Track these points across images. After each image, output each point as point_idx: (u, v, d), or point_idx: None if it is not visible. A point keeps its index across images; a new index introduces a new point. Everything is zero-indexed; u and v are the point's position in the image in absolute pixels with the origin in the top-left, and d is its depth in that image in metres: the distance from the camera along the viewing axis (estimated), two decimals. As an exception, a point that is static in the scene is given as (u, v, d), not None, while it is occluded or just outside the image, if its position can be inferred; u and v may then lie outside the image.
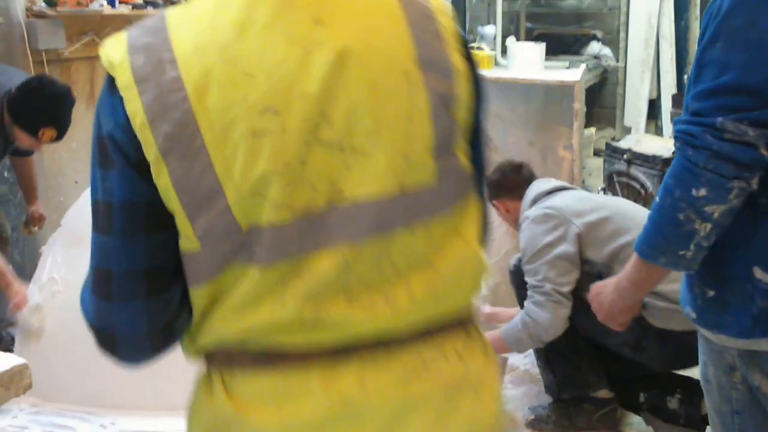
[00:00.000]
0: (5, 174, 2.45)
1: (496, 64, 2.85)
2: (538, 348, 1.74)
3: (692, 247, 0.89)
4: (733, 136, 0.84)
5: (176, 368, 2.05)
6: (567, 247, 1.65)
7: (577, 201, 1.79)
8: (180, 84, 0.57)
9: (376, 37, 0.61)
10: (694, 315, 0.96)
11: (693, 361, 1.53)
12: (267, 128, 0.57)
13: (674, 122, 0.93)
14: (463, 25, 5.50)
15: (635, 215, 1.75)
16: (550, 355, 1.77)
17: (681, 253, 0.90)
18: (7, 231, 2.25)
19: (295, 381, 0.61)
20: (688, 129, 0.87)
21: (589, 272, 1.66)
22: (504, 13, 3.64)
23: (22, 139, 2.01)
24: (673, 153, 2.90)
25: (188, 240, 0.60)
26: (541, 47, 2.69)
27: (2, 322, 2.32)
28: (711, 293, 0.93)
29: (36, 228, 2.34)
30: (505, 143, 2.58)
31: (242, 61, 0.57)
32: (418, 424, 0.62)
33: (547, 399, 1.82)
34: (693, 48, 4.69)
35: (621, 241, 1.65)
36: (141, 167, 0.58)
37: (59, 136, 2.02)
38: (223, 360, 0.64)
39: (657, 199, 0.92)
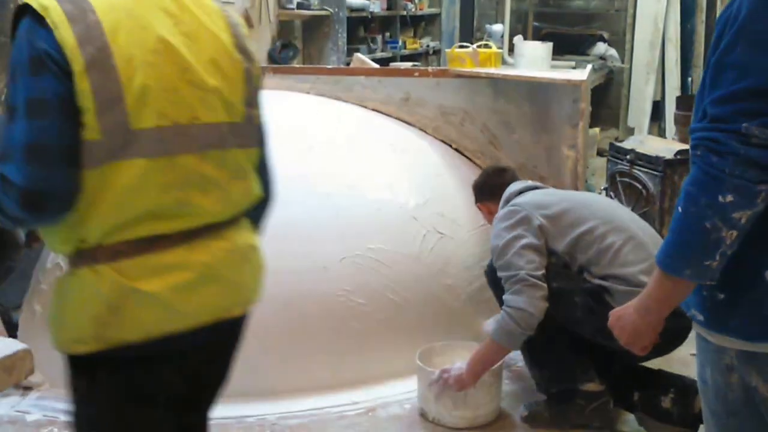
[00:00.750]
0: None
1: (503, 62, 2.85)
2: (523, 347, 1.78)
3: (718, 256, 0.88)
4: (759, 141, 0.84)
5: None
6: (531, 239, 1.72)
7: (542, 196, 1.87)
8: (99, 25, 0.87)
9: (211, 28, 0.97)
10: (701, 317, 0.95)
11: (665, 347, 1.54)
12: (155, 62, 0.90)
13: (691, 129, 0.91)
14: (471, 22, 5.51)
15: (595, 206, 1.82)
16: (534, 352, 1.80)
17: (707, 263, 0.88)
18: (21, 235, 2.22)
19: (170, 257, 0.91)
20: (711, 135, 0.86)
21: (556, 263, 1.74)
22: (512, 12, 3.64)
23: None
24: (675, 155, 2.92)
25: (93, 131, 0.86)
26: (548, 46, 2.68)
27: (6, 306, 2.33)
28: (721, 296, 0.93)
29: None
30: (509, 141, 2.59)
31: (140, 19, 0.90)
32: (241, 271, 1.02)
33: (542, 396, 1.84)
34: (698, 51, 4.69)
35: (579, 230, 1.73)
36: (67, 75, 0.86)
37: None
38: (107, 250, 0.89)
39: (678, 209, 0.90)
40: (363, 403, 1.93)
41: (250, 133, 1.03)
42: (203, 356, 1.02)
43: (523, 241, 1.72)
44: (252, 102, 1.03)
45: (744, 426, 0.96)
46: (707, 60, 0.93)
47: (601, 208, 1.83)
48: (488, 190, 2.01)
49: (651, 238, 1.76)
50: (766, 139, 0.83)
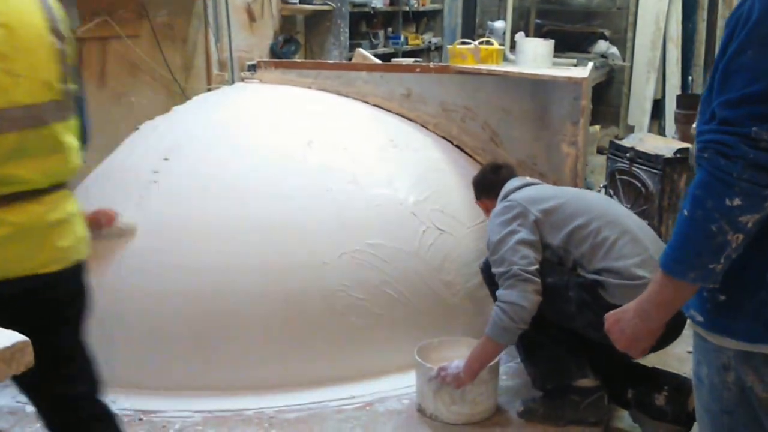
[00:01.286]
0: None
1: (505, 59, 2.85)
2: (518, 343, 1.79)
3: (722, 260, 0.88)
4: (753, 142, 0.83)
5: (175, 349, 2.09)
6: (526, 234, 1.73)
7: (538, 191, 1.88)
8: None
9: (25, 14, 1.12)
10: (701, 318, 0.95)
11: (660, 342, 1.54)
12: None
13: (698, 131, 0.91)
14: (473, 19, 5.50)
15: (590, 201, 1.83)
16: (528, 348, 1.82)
17: (711, 266, 0.88)
18: None
19: None
20: (720, 138, 0.86)
21: (550, 258, 1.75)
22: (514, 9, 3.63)
23: None
24: (675, 153, 2.92)
25: None
26: (549, 44, 2.68)
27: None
28: (722, 298, 0.93)
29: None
30: (510, 137, 2.59)
31: None
32: (57, 233, 1.20)
33: (538, 392, 1.86)
34: (699, 50, 4.69)
35: (574, 224, 1.73)
36: None
37: None
38: None
39: (684, 212, 0.90)
40: (361, 397, 1.94)
41: (68, 106, 1.21)
42: (24, 304, 1.18)
43: (518, 237, 1.72)
44: (67, 78, 1.19)
45: (738, 424, 0.96)
46: (715, 61, 0.92)
47: (596, 203, 1.84)
48: (486, 186, 2.02)
49: (646, 234, 1.77)
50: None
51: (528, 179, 2.00)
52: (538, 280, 1.68)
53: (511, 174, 2.02)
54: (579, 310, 1.70)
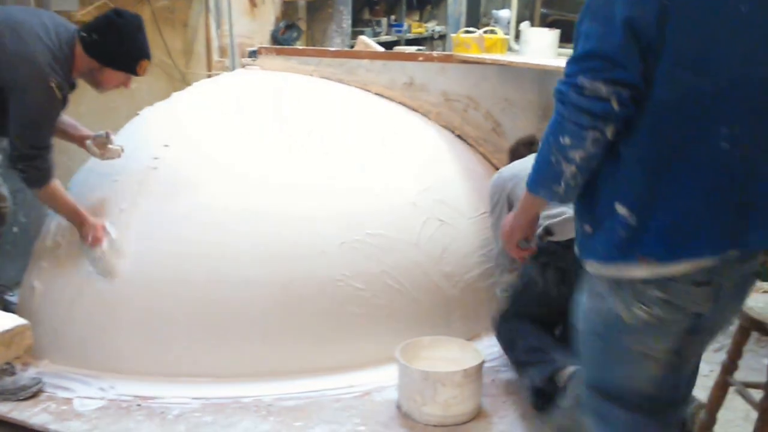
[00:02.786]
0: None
1: (509, 48, 2.82)
2: (505, 353, 1.85)
3: (562, 184, 1.09)
4: (589, 92, 1.02)
5: (173, 336, 2.10)
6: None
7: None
8: None
9: None
10: (577, 249, 1.15)
11: None
12: None
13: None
14: (478, 7, 5.44)
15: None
16: (514, 350, 1.85)
17: (554, 188, 1.11)
18: (8, 204, 2.22)
19: None
20: (559, 88, 1.06)
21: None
22: (519, -3, 3.57)
23: (112, 79, 1.91)
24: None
25: None
26: (554, 33, 2.65)
27: (4, 287, 2.34)
28: (588, 229, 1.11)
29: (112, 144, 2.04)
30: (514, 127, 2.58)
31: None
32: None
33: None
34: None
35: None
36: None
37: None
38: None
39: (540, 141, 1.12)
40: (359, 386, 1.94)
41: None
42: None
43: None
44: None
45: (603, 346, 1.15)
46: None
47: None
48: (517, 159, 2.12)
49: None
50: (593, 90, 1.02)
51: None
52: None
53: None
54: (542, 273, 1.77)
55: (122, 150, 2.06)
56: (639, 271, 1.06)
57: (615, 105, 1.01)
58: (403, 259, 2.07)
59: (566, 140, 1.05)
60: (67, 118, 2.07)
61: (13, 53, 1.76)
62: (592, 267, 1.12)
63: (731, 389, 1.68)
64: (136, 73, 1.92)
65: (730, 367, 1.64)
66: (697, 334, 1.14)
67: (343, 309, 2.00)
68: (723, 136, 1.03)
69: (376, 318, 2.03)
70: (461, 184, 2.31)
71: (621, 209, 1.06)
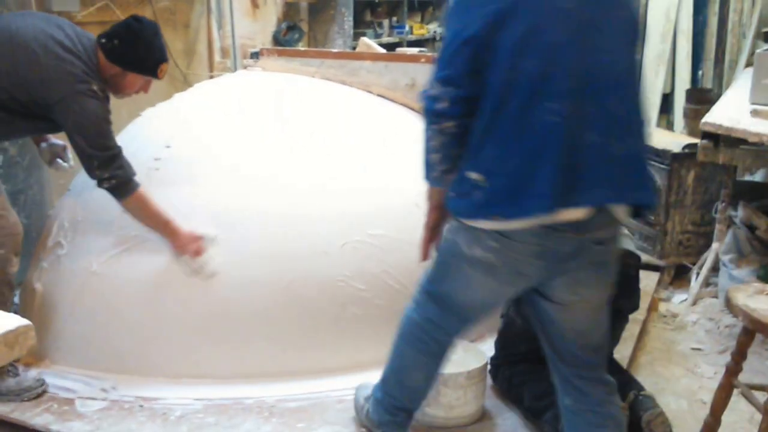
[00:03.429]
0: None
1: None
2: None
3: (437, 169, 1.39)
4: (428, 94, 1.32)
5: (176, 337, 2.09)
6: None
7: None
8: None
9: None
10: (450, 208, 1.40)
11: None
12: None
13: None
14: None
15: None
16: (522, 401, 1.82)
17: (433, 175, 1.41)
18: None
19: None
20: (422, 93, 1.35)
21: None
22: (521, -2, 3.57)
23: (134, 84, 1.94)
24: (683, 148, 2.98)
25: None
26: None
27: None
28: (452, 194, 1.38)
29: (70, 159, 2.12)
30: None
31: None
32: None
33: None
34: (710, 44, 4.63)
35: None
36: None
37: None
38: None
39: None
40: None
41: None
42: None
43: None
44: None
45: (447, 264, 1.46)
46: None
47: None
48: None
49: None
50: (431, 91, 1.31)
51: None
52: None
53: None
54: (517, 311, 1.78)
55: (69, 167, 2.09)
56: (483, 224, 1.33)
57: (447, 104, 1.30)
58: (405, 259, 2.07)
59: (428, 135, 1.36)
60: None
61: (50, 70, 1.79)
62: (455, 221, 1.41)
63: (735, 391, 1.67)
64: (157, 77, 1.96)
65: (734, 369, 1.64)
66: (527, 292, 1.44)
67: (345, 310, 1.99)
68: (550, 110, 1.23)
69: (378, 319, 2.02)
70: (464, 185, 2.30)
71: (473, 175, 1.30)
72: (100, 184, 1.87)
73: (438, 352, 1.54)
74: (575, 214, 1.28)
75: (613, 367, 1.84)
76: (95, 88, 1.83)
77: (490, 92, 1.26)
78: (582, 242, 1.33)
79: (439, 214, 1.48)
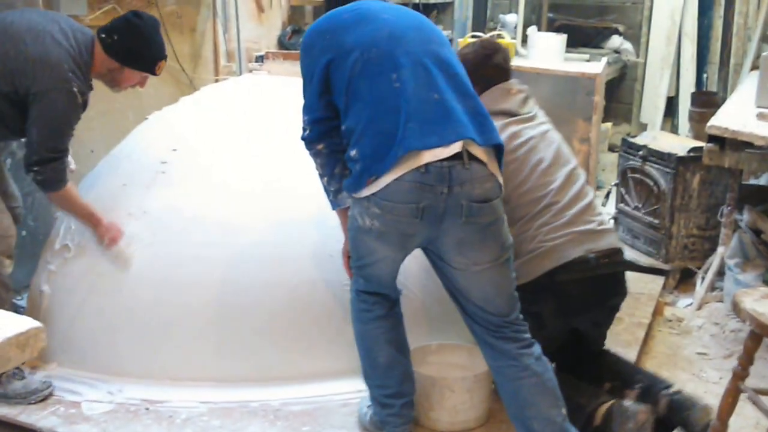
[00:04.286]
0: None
1: (517, 53, 2.82)
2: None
3: (330, 191, 1.67)
4: (309, 132, 1.62)
5: (181, 340, 2.09)
6: None
7: None
8: None
9: None
10: (344, 189, 1.60)
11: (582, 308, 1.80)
12: None
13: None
14: (485, 12, 5.44)
15: None
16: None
17: (330, 198, 1.68)
18: (20, 204, 2.22)
19: None
20: (303, 127, 1.64)
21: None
22: (526, 3, 3.58)
23: (131, 79, 1.94)
24: (688, 152, 3.00)
25: None
26: (562, 38, 2.66)
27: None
28: (337, 186, 1.65)
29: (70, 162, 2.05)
30: (521, 133, 2.56)
31: None
32: None
33: None
34: (714, 47, 4.61)
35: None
36: None
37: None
38: None
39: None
40: (367, 391, 1.93)
41: None
42: None
43: None
44: None
45: (354, 241, 1.61)
46: None
47: None
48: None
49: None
50: (308, 129, 1.62)
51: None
52: None
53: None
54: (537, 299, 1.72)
55: (72, 169, 2.07)
56: (365, 192, 1.48)
57: (307, 131, 1.62)
58: (412, 264, 2.06)
59: (315, 161, 1.65)
60: None
61: (36, 60, 1.77)
62: (354, 196, 1.55)
63: (742, 396, 1.67)
64: (154, 73, 1.95)
65: (741, 373, 1.63)
66: (432, 259, 1.62)
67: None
68: (393, 79, 1.49)
69: (384, 323, 2.02)
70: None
71: (351, 153, 1.50)
72: (28, 173, 1.86)
73: (386, 318, 1.67)
74: (431, 155, 1.43)
75: (614, 360, 1.85)
76: (75, 89, 1.80)
77: (348, 81, 1.51)
78: (455, 197, 1.45)
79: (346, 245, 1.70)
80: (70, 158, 2.09)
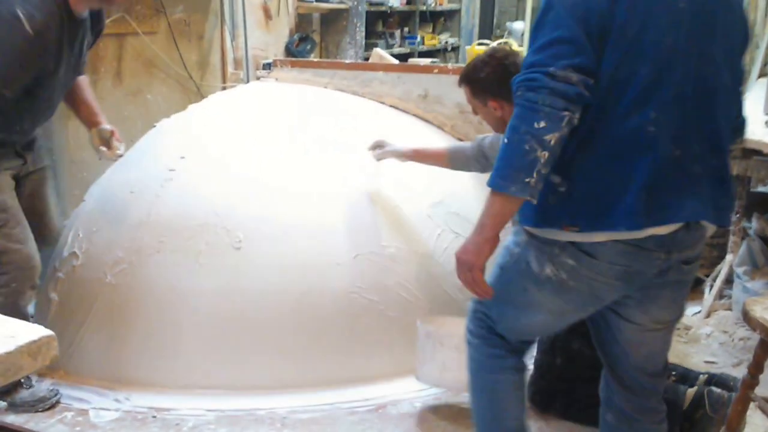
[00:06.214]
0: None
1: (523, 60, 2.83)
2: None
3: (535, 174, 1.10)
4: (561, 79, 1.08)
5: (189, 348, 2.09)
6: None
7: None
8: None
9: None
10: (520, 214, 1.21)
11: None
12: None
13: (513, 80, 1.13)
14: (491, 19, 5.46)
15: None
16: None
17: (527, 180, 1.10)
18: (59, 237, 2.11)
19: None
20: (529, 76, 1.10)
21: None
22: (533, 10, 3.59)
23: None
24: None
25: None
26: (568, 45, 2.65)
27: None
28: (543, 177, 1.14)
29: (116, 147, 1.97)
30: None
31: None
32: None
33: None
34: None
35: None
36: None
37: None
38: None
39: (504, 140, 1.12)
40: (373, 399, 1.93)
41: None
42: None
43: None
44: None
45: (507, 282, 1.27)
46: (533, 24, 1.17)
47: None
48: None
49: None
50: (565, 77, 1.08)
51: None
52: None
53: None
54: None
55: (120, 155, 1.99)
56: (559, 235, 1.17)
57: (583, 89, 1.09)
58: (418, 271, 2.07)
59: (542, 124, 1.08)
60: (90, 96, 1.96)
61: None
62: (537, 232, 1.22)
63: (752, 405, 1.65)
64: None
65: (750, 382, 1.62)
66: (600, 311, 1.28)
67: (358, 321, 1.99)
68: (650, 119, 1.12)
69: (391, 330, 2.02)
70: (476, 196, 2.30)
71: (554, 177, 1.15)
72: None
73: (521, 370, 1.36)
74: (661, 230, 1.16)
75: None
76: (21, 13, 1.54)
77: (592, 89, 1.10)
78: (670, 263, 1.21)
79: (495, 246, 1.19)
80: (117, 143, 1.96)
